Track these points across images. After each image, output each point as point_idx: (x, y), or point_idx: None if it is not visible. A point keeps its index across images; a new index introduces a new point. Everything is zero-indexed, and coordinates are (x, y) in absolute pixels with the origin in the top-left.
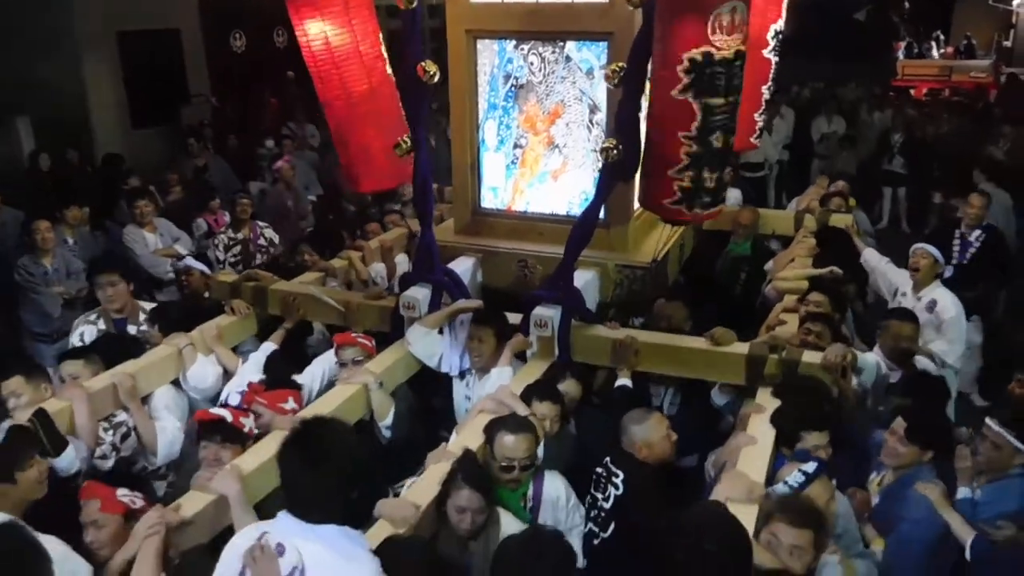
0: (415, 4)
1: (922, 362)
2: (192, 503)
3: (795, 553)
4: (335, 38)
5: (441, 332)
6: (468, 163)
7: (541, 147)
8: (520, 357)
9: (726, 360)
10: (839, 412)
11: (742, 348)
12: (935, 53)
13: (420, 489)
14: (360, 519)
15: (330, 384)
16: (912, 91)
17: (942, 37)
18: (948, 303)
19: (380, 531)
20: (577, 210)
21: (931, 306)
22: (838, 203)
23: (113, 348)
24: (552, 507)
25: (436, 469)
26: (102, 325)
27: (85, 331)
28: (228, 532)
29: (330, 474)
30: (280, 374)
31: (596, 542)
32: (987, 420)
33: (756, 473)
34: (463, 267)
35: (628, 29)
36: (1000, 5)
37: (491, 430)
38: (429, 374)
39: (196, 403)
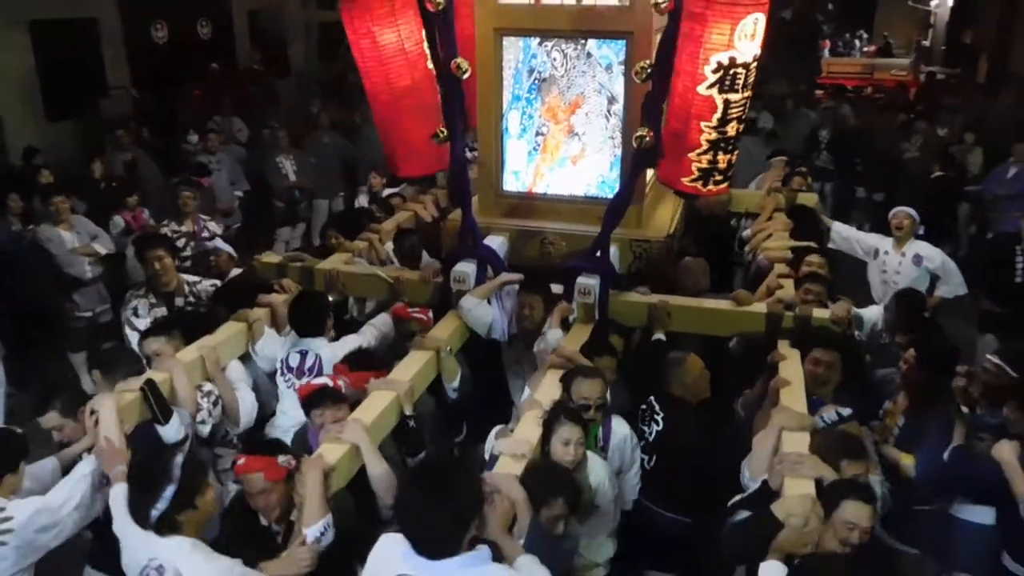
0: (443, 5)
1: None
2: (332, 453)
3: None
4: (382, 37)
5: (489, 302)
6: (492, 150)
7: (561, 135)
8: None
9: (748, 318)
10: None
11: (761, 307)
12: (858, 51)
13: (524, 431)
14: None
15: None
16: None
17: (865, 36)
18: (931, 252)
19: (502, 466)
20: (595, 191)
21: (917, 259)
22: (799, 182)
23: (189, 324)
24: (620, 446)
25: (530, 415)
26: (152, 299)
27: (138, 305)
28: (361, 475)
29: (447, 513)
30: (362, 359)
31: (646, 467)
32: (988, 356)
33: (799, 407)
34: (495, 244)
35: (646, 29)
36: (919, 6)
37: (567, 378)
38: (476, 341)
39: (259, 377)
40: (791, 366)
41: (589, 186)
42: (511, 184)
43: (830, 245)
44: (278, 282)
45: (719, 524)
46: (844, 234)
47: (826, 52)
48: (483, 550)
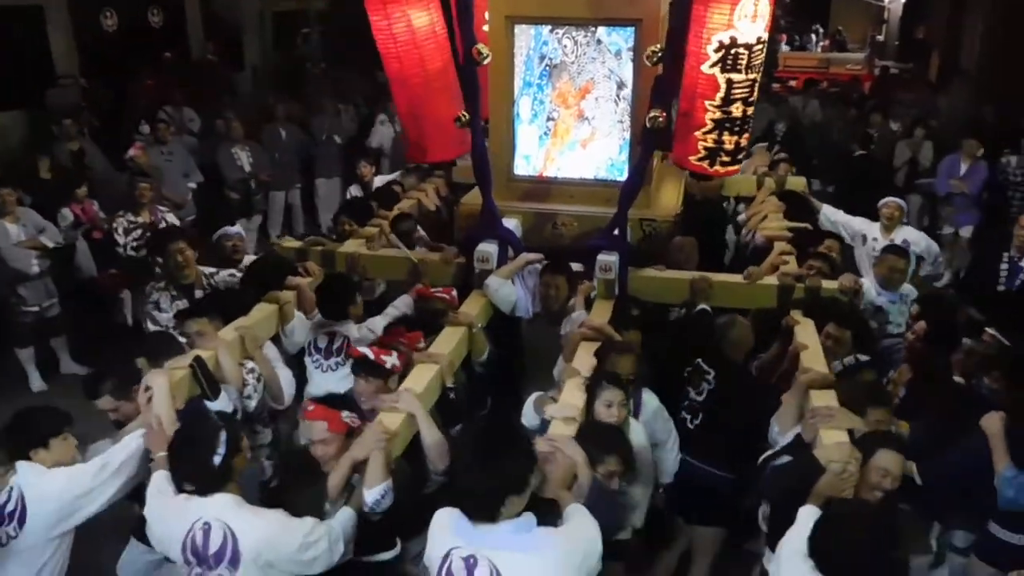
0: None
1: (906, 287)
2: (391, 420)
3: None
4: (417, 20)
5: (512, 282)
6: (504, 135)
7: (572, 119)
8: None
9: (762, 290)
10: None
11: (772, 280)
12: (815, 45)
13: (568, 397)
14: None
15: None
16: (793, 82)
17: (821, 30)
18: (916, 237)
19: (555, 430)
20: (604, 174)
21: (905, 244)
22: (786, 168)
23: (229, 304)
24: (652, 416)
25: (572, 383)
26: (173, 292)
27: (160, 299)
28: (415, 441)
29: (504, 475)
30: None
31: (691, 427)
32: (987, 328)
33: (821, 367)
34: (510, 226)
35: (654, 15)
36: (873, 1)
37: (602, 353)
38: (496, 318)
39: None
40: (806, 331)
41: (599, 169)
42: (522, 168)
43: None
44: (303, 265)
45: (756, 478)
46: (832, 217)
47: (783, 46)
48: (528, 517)
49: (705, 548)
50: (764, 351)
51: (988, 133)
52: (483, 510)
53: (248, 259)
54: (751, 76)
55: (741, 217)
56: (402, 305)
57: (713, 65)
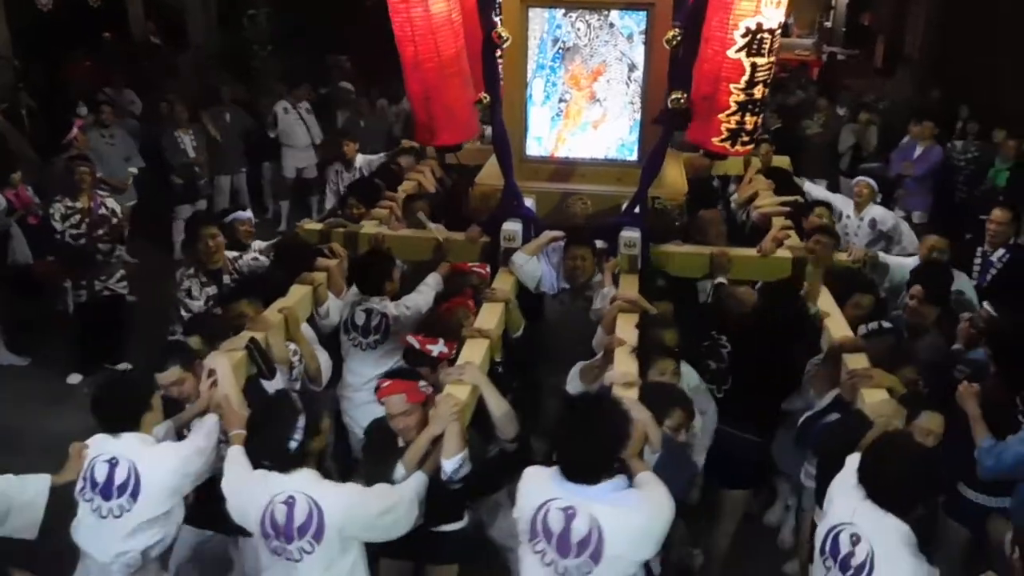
0: None
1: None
2: (459, 391)
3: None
4: (434, 6)
5: (537, 258)
6: (517, 117)
7: (584, 101)
8: None
9: (777, 263)
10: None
11: (786, 253)
12: None
13: (621, 364)
14: None
15: None
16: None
17: None
18: (884, 215)
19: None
20: (614, 154)
21: (872, 223)
22: (767, 148)
23: (263, 288)
24: (694, 388)
25: (622, 351)
26: (203, 278)
27: (191, 286)
28: (481, 410)
29: (605, 439)
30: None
31: (719, 396)
32: (984, 303)
33: (846, 331)
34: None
35: (666, 0)
36: None
37: (644, 327)
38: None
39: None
40: (826, 300)
41: (609, 149)
42: (534, 149)
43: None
44: (328, 247)
45: (800, 436)
46: (815, 194)
47: None
48: (622, 478)
49: (734, 510)
50: (776, 318)
51: (933, 118)
52: (587, 474)
53: (257, 244)
54: (771, 59)
55: (733, 196)
56: (433, 282)
57: (739, 50)
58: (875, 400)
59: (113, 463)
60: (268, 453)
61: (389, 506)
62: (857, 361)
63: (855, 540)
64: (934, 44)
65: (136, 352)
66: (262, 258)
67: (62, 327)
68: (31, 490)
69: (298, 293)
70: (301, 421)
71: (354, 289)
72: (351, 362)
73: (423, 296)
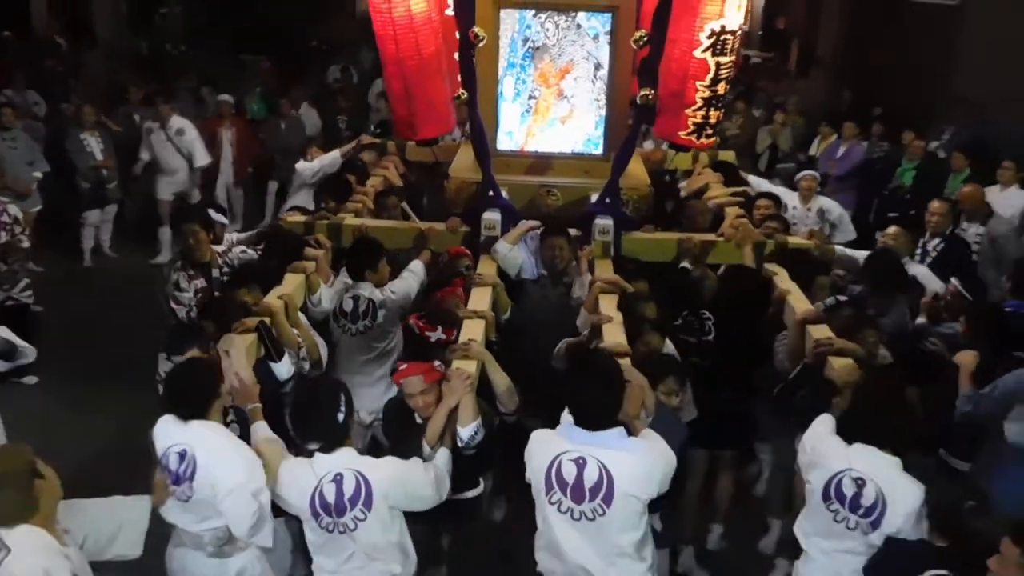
0: None
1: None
2: (467, 366)
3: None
4: (416, 6)
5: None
6: (489, 112)
7: (552, 98)
8: None
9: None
10: None
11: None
12: None
13: (612, 337)
14: None
15: None
16: None
17: None
18: (830, 205)
19: None
20: (581, 148)
21: (820, 213)
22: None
23: (258, 276)
24: None
25: (610, 327)
26: (191, 271)
27: (179, 278)
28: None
29: (608, 381)
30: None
31: (706, 364)
32: (952, 280)
33: (807, 305)
34: None
35: (630, 3)
36: None
37: (628, 304)
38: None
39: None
40: (784, 279)
41: (576, 143)
42: (505, 144)
43: None
44: (314, 237)
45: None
46: (760, 187)
47: None
48: (622, 428)
49: (730, 466)
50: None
51: (845, 119)
52: (600, 419)
53: (230, 237)
54: (732, 58)
55: (682, 184)
56: (417, 268)
57: (705, 50)
58: (840, 365)
59: (182, 455)
60: (319, 432)
61: (427, 480)
62: (820, 332)
63: (860, 483)
64: (846, 48)
65: (43, 365)
66: (250, 251)
67: None
68: (138, 507)
69: (294, 281)
70: (343, 397)
71: (342, 278)
72: (342, 348)
73: (407, 282)
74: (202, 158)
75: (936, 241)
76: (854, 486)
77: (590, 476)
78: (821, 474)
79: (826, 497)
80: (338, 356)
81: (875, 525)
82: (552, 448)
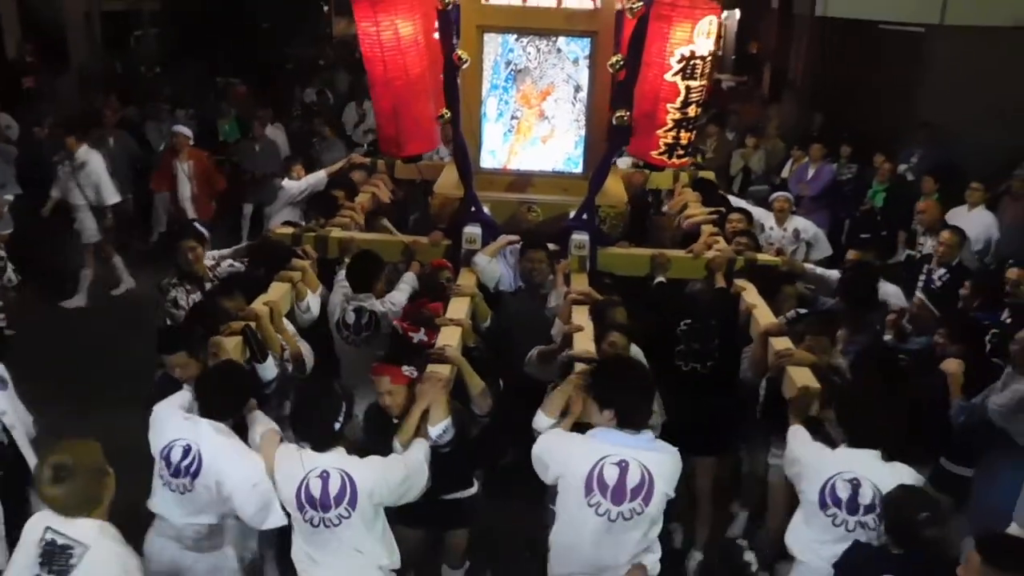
0: (450, 6)
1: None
2: (442, 369)
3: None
4: (403, 29)
5: (496, 260)
6: (473, 132)
7: (534, 118)
8: None
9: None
10: None
11: (713, 255)
12: None
13: (581, 345)
14: None
15: None
16: None
17: None
18: (805, 225)
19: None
20: (561, 167)
21: (796, 233)
22: (691, 161)
23: (244, 286)
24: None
25: (581, 336)
26: (188, 286)
27: (177, 295)
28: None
29: (650, 393)
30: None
31: (702, 371)
32: (917, 292)
33: (771, 319)
34: None
35: (608, 29)
36: None
37: (599, 311)
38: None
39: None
40: (751, 294)
41: (556, 162)
42: (488, 162)
43: None
44: (301, 248)
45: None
46: (736, 205)
47: None
48: (650, 431)
49: (709, 472)
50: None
51: (816, 141)
52: (644, 421)
53: (213, 253)
54: (703, 82)
55: (665, 208)
56: (411, 280)
57: (675, 74)
58: (797, 375)
59: (187, 449)
60: (314, 436)
61: (406, 473)
62: (781, 343)
63: (855, 483)
64: (817, 72)
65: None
66: (237, 264)
67: None
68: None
69: (280, 289)
70: (344, 407)
71: (341, 289)
72: (346, 358)
73: (404, 294)
74: (110, 196)
75: (942, 271)
76: (848, 487)
77: (633, 478)
78: (813, 482)
79: (823, 504)
80: (342, 367)
81: (882, 519)
82: (592, 452)
